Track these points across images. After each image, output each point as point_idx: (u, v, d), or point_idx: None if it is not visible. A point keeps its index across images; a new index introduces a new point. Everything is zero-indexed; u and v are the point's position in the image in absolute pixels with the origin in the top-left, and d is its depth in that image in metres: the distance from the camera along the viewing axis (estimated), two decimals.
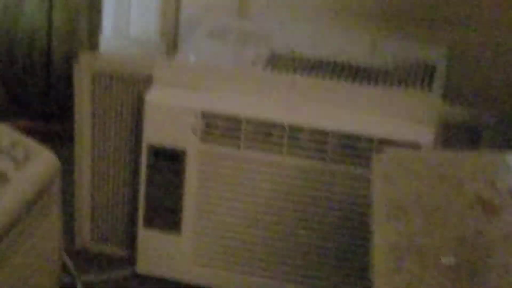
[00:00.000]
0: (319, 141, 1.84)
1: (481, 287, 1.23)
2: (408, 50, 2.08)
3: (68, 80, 2.25)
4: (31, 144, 1.70)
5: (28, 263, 1.66)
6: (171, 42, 2.16)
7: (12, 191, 1.58)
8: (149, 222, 1.99)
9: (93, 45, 2.41)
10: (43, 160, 1.69)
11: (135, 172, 2.01)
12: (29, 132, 1.74)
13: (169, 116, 1.90)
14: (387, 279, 1.25)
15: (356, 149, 1.83)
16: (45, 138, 1.84)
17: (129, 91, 1.98)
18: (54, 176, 1.72)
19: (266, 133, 1.86)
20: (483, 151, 1.79)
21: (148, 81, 1.95)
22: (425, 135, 1.81)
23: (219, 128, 1.88)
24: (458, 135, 1.85)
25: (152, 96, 1.91)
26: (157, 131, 1.92)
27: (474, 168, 1.51)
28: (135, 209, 2.03)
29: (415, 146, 1.79)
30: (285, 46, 2.06)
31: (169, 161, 1.93)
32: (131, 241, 2.08)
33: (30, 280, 1.68)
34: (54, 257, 1.78)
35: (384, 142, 1.80)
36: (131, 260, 2.07)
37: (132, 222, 2.06)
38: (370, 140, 1.81)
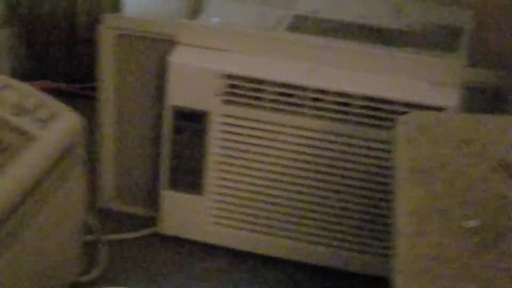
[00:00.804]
0: (342, 104, 1.84)
1: (504, 250, 1.23)
2: (434, 13, 2.06)
3: (92, 41, 2.25)
4: (56, 104, 1.70)
5: (52, 221, 1.67)
6: (195, 3, 2.15)
7: (37, 150, 1.59)
8: (172, 183, 2.00)
9: (117, 6, 2.41)
10: (67, 119, 1.70)
11: (159, 133, 2.02)
12: (53, 93, 1.74)
13: (192, 77, 1.90)
14: (409, 242, 1.26)
15: (379, 112, 1.82)
16: (69, 99, 1.84)
17: (153, 52, 1.98)
18: (78, 136, 1.72)
19: (290, 96, 1.86)
20: (507, 114, 1.79)
21: (172, 42, 1.94)
22: (449, 98, 1.80)
23: (243, 90, 1.88)
24: (482, 98, 1.85)
25: (176, 58, 1.91)
26: (180, 93, 1.92)
27: (498, 131, 1.50)
28: (158, 169, 2.04)
29: (439, 109, 1.78)
30: (309, 8, 2.05)
31: (193, 122, 1.93)
32: (153, 201, 2.09)
33: (54, 238, 1.69)
34: (78, 215, 1.79)
35: (408, 105, 1.80)
36: (153, 220, 2.08)
37: (155, 182, 2.07)
38: (393, 103, 1.81)
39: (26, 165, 1.55)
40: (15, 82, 1.70)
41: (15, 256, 1.52)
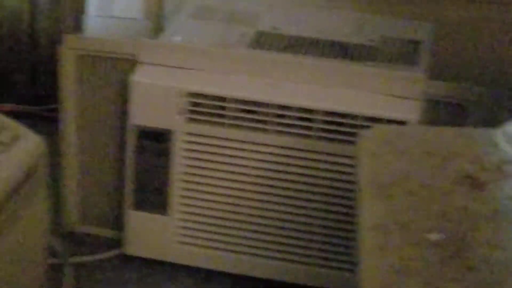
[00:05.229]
0: (304, 119, 1.84)
1: (467, 262, 1.23)
2: (394, 27, 2.07)
3: (53, 62, 2.23)
4: (17, 127, 1.69)
5: (16, 246, 1.65)
6: (156, 22, 2.15)
7: None
8: (137, 203, 1.99)
9: (78, 26, 2.40)
10: (29, 142, 1.68)
11: (122, 153, 2.01)
12: (15, 115, 1.73)
13: (155, 96, 1.89)
14: (373, 257, 1.25)
15: (342, 126, 1.82)
16: (31, 121, 1.83)
17: (114, 72, 1.97)
18: (40, 159, 1.71)
19: (252, 112, 1.86)
20: (469, 126, 1.80)
21: (133, 61, 1.94)
22: (411, 111, 1.80)
23: (206, 107, 1.87)
24: (444, 111, 1.85)
25: (138, 77, 1.90)
26: (143, 112, 1.91)
27: (460, 144, 1.50)
28: (122, 190, 2.03)
29: (401, 122, 1.79)
30: (271, 24, 2.05)
31: (156, 141, 1.92)
32: (118, 222, 2.07)
33: (18, 263, 1.67)
34: (42, 239, 1.77)
35: (370, 119, 1.80)
36: (119, 242, 2.07)
37: (120, 203, 2.06)
38: (355, 117, 1.81)
39: None
40: None
41: None
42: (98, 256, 2.06)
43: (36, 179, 1.70)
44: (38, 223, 1.74)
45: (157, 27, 2.17)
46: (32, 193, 1.69)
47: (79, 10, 2.42)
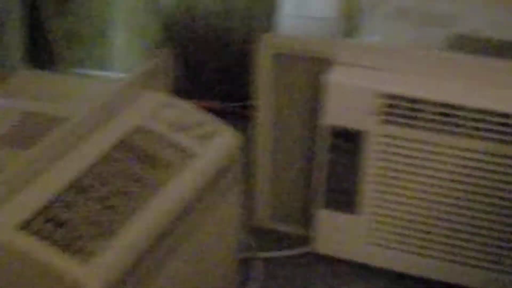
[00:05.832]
0: (503, 125, 1.79)
1: None
2: None
3: (245, 60, 2.27)
4: (215, 121, 1.73)
5: (210, 238, 1.69)
6: (352, 21, 2.14)
7: (198, 167, 1.61)
8: (327, 202, 1.99)
9: (272, 25, 2.43)
10: (226, 137, 1.72)
11: (314, 152, 2.02)
12: (208, 111, 1.77)
13: (350, 96, 1.89)
14: None
15: None
16: (221, 117, 1.87)
17: (309, 71, 1.98)
18: (236, 154, 1.74)
19: (449, 116, 1.83)
20: None
21: (328, 61, 1.94)
22: None
23: (401, 109, 1.85)
24: None
25: (333, 76, 1.91)
26: (337, 112, 1.91)
27: None
28: (312, 188, 2.04)
29: None
30: (470, 27, 2.01)
31: (349, 142, 1.92)
32: (308, 220, 2.09)
33: (211, 254, 1.71)
34: (234, 232, 1.80)
35: None
36: (308, 239, 2.08)
37: (310, 201, 2.07)
38: None
39: (187, 181, 1.58)
40: (175, 100, 1.74)
41: (173, 272, 1.54)
42: (286, 253, 2.08)
43: (231, 173, 1.73)
44: (231, 216, 1.77)
45: (351, 27, 2.17)
46: (227, 186, 1.73)
47: (272, 9, 2.46)
